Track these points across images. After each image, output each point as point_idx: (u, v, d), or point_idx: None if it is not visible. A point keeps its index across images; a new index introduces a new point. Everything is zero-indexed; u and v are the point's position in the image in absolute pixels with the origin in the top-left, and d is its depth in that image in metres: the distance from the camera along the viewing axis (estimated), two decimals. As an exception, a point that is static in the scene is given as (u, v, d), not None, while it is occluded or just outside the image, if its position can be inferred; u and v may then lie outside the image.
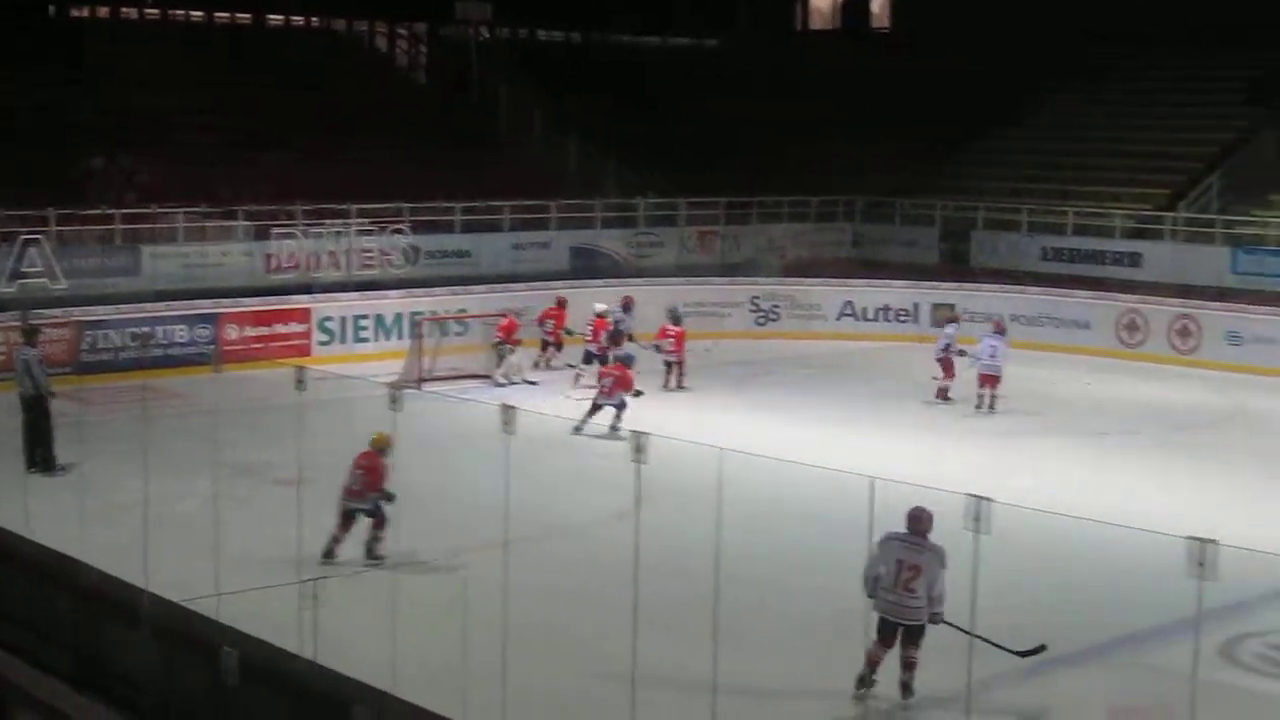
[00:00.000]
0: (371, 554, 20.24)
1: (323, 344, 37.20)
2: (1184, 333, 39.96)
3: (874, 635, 15.83)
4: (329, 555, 19.84)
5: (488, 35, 54.25)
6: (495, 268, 41.57)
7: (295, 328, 37.04)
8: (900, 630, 15.90)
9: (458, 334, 37.52)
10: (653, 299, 40.94)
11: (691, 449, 14.04)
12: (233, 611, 15.22)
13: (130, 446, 20.39)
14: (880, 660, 15.97)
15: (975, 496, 11.03)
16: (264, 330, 36.52)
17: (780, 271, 45.77)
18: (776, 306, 43.70)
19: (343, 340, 37.60)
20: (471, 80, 50.81)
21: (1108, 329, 41.11)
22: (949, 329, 34.48)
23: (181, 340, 35.14)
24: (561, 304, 37.20)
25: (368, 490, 20.27)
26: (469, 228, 41.66)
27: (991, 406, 32.06)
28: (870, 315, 43.68)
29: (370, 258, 39.33)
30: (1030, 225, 45.26)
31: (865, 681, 16.00)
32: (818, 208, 48.41)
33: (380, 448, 20.31)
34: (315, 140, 42.31)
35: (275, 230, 38.14)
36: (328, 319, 37.54)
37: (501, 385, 34.21)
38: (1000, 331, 33.13)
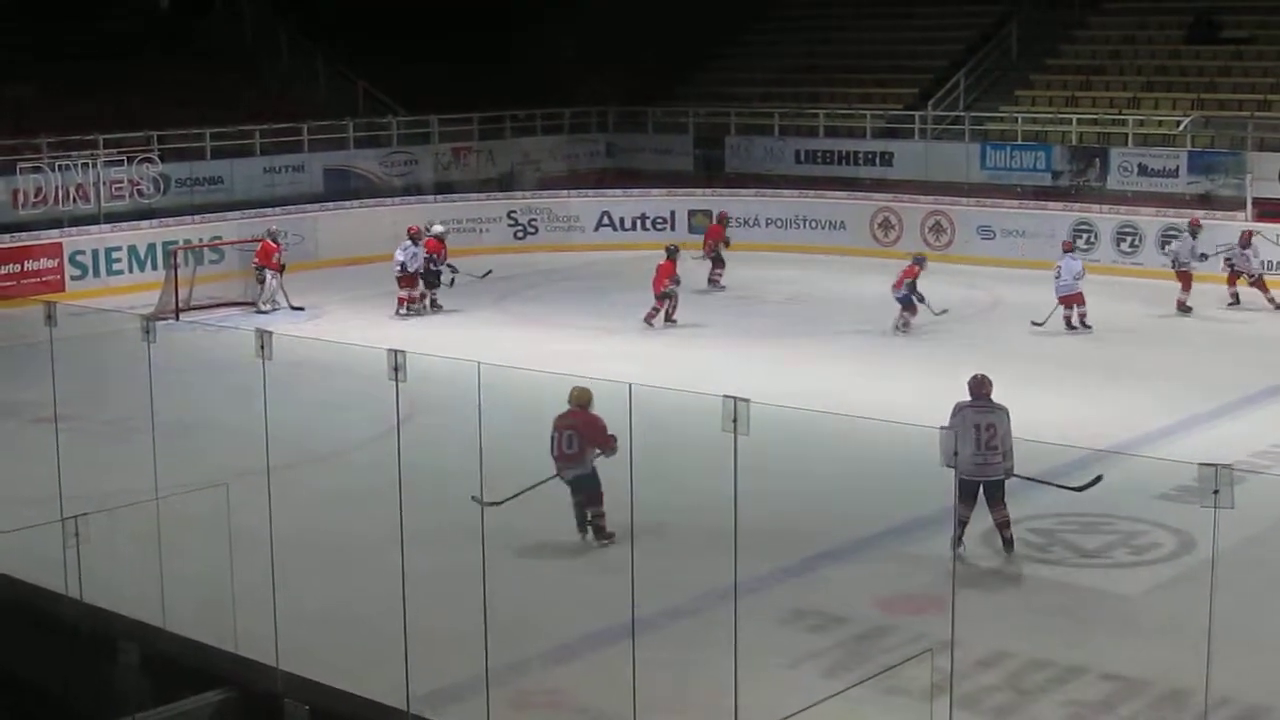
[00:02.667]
0: (601, 534, 18.30)
1: (76, 279, 36.51)
2: (937, 229, 40.62)
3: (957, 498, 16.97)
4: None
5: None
6: (249, 193, 41.01)
7: (46, 263, 36.32)
8: (981, 487, 17.51)
9: (214, 262, 37.05)
10: (412, 218, 40.83)
11: (450, 364, 14.06)
12: (-6, 554, 15.00)
13: (-122, 391, 19.94)
14: (968, 520, 17.51)
15: (732, 398, 11.14)
16: (14, 268, 35.77)
17: (536, 185, 45.76)
18: (534, 220, 43.68)
19: (96, 274, 36.93)
20: (214, 1, 49.86)
21: (862, 228, 41.67)
22: None
23: (-73, 281, 34.40)
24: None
25: (586, 449, 18.20)
26: (220, 153, 41.02)
27: (1084, 323, 31.43)
28: (628, 225, 43.80)
29: (120, 189, 38.60)
30: (782, 129, 45.58)
31: (959, 542, 17.43)
32: (571, 119, 48.33)
33: (583, 402, 18.42)
34: (56, 69, 41.34)
35: (20, 165, 37.27)
36: (79, 253, 36.84)
37: (264, 312, 33.83)
38: (1069, 250, 32.92)
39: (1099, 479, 18.33)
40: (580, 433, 18.22)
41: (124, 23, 46.85)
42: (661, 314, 32.01)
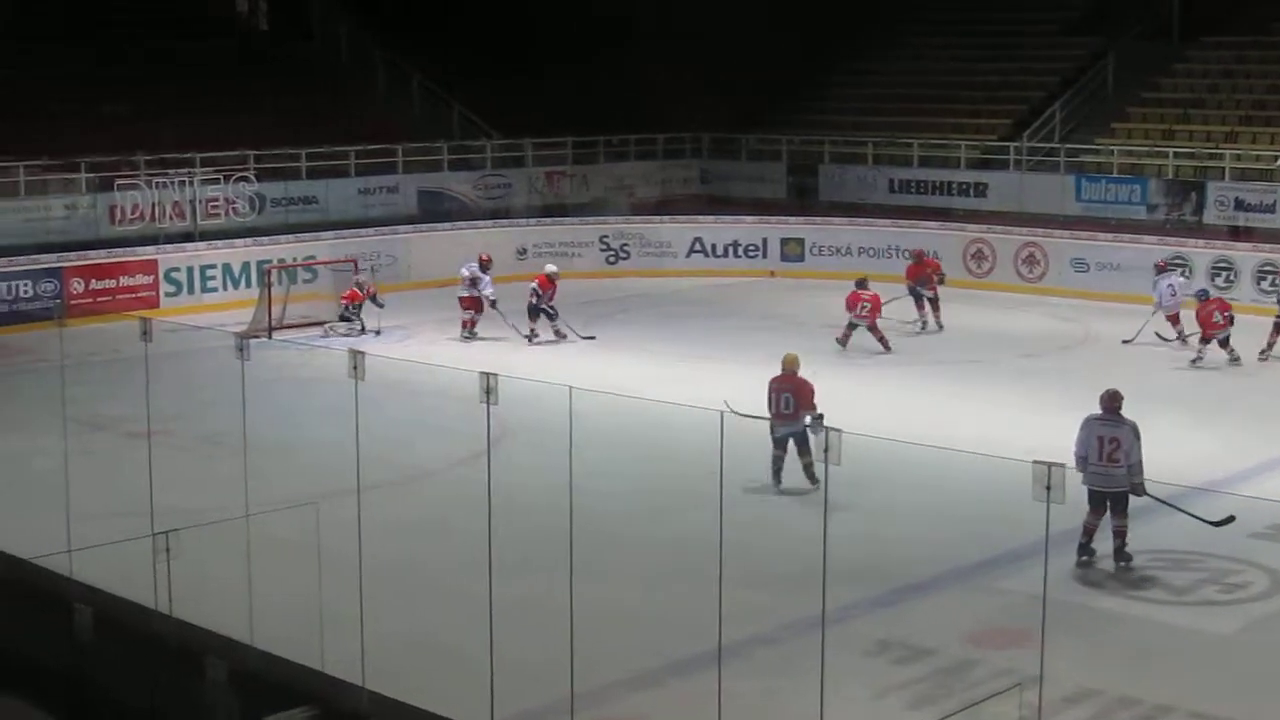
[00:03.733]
0: (812, 478, 20.66)
1: (170, 295, 36.85)
2: (1030, 261, 40.40)
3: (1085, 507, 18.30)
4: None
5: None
6: (343, 213, 41.26)
7: (142, 279, 36.66)
8: (1108, 499, 18.34)
9: (307, 281, 37.28)
10: (505, 241, 41.07)
11: (543, 388, 14.07)
12: (85, 567, 15.07)
13: (-24, 404, 20.13)
14: (1095, 529, 18.47)
15: (826, 427, 11.10)
16: (110, 283, 36.12)
17: (629, 210, 45.82)
18: (626, 245, 43.72)
19: (190, 291, 37.25)
20: (313, 25, 50.21)
21: (955, 259, 41.43)
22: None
23: (25, 295, 34.71)
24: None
25: (800, 409, 21.04)
26: (315, 174, 41.27)
27: (1186, 341, 31.88)
28: (720, 251, 43.77)
29: (216, 207, 38.88)
30: (876, 158, 45.48)
31: (1084, 550, 18.55)
32: (665, 145, 48.41)
33: (794, 368, 21.89)
34: (157, 90, 41.69)
35: (119, 182, 37.61)
36: (174, 270, 37.18)
37: (329, 335, 34.03)
38: (1164, 270, 33.15)
39: (1232, 518, 18.59)
40: (795, 395, 21.30)
41: (223, 43, 47.25)
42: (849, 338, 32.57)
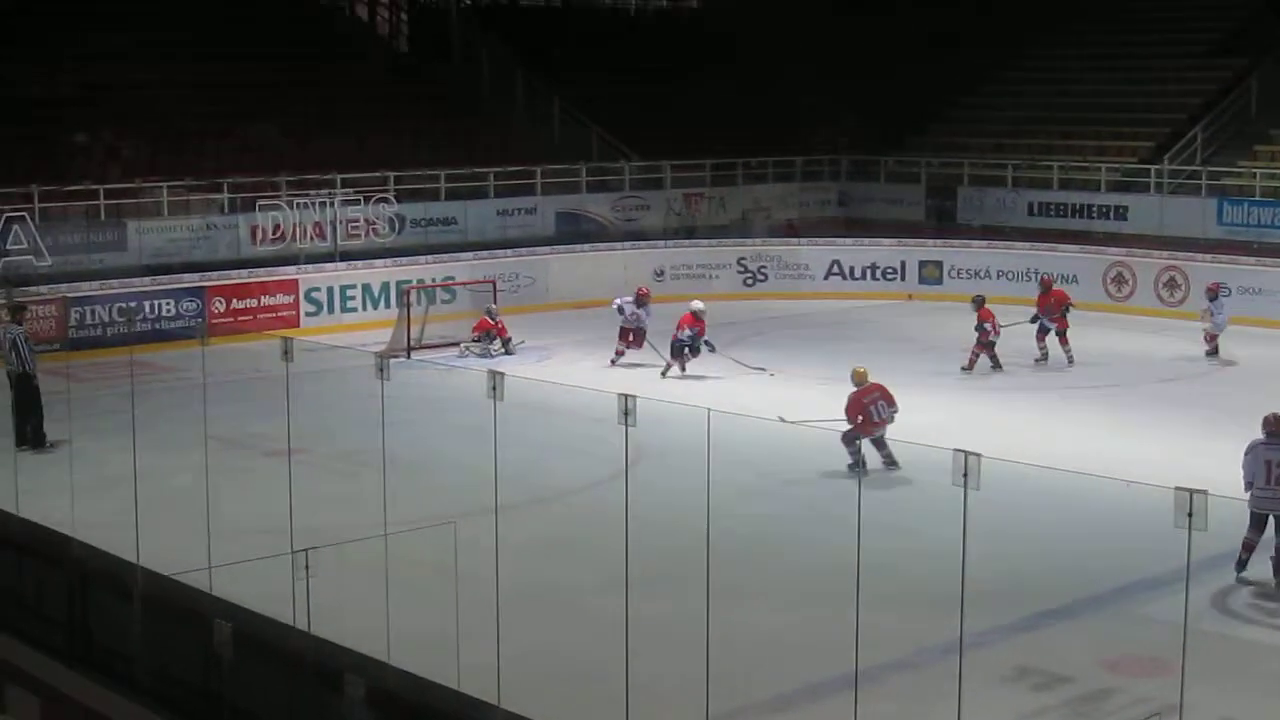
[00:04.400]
0: (892, 464, 22.61)
1: (310, 315, 37.16)
2: (1171, 285, 39.97)
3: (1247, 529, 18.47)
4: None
5: (468, 1, 54.04)
6: (481, 234, 41.50)
7: (282, 299, 37.01)
8: (1271, 520, 18.52)
9: (445, 302, 37.50)
10: (642, 263, 41.19)
11: (681, 410, 14.07)
12: (225, 584, 15.21)
13: (119, 421, 20.36)
14: (1254, 546, 18.50)
15: (963, 451, 11.02)
16: (251, 303, 36.49)
17: (768, 232, 45.79)
18: (764, 267, 43.67)
19: (330, 311, 37.58)
20: (453, 47, 50.59)
21: (1095, 282, 41.08)
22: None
23: (168, 314, 35.14)
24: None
25: (889, 410, 23.29)
26: (454, 195, 41.53)
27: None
28: (858, 274, 43.65)
29: (356, 227, 39.21)
30: (1015, 180, 45.23)
31: (1243, 566, 18.61)
32: (803, 167, 48.36)
33: (862, 380, 23.59)
34: (298, 111, 42.15)
35: (260, 202, 38.03)
36: (314, 290, 37.51)
37: (465, 356, 34.03)
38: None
39: None
40: (885, 400, 23.36)
41: (365, 65, 47.68)
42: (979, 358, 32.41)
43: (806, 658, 16.15)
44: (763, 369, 32.07)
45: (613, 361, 33.22)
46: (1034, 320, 33.65)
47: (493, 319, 34.81)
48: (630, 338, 33.26)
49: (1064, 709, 15.23)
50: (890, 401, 23.41)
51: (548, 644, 16.50)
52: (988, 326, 31.84)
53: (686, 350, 32.06)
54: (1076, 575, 19.34)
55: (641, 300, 33.43)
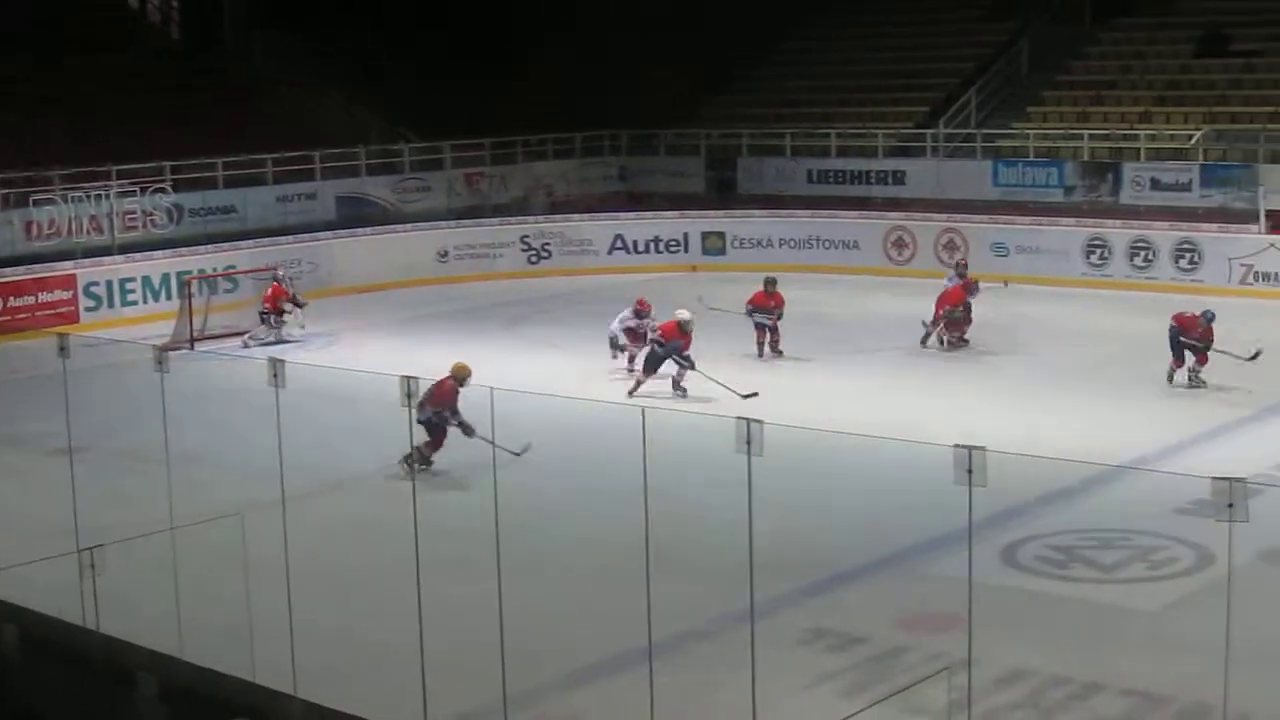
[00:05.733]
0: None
1: (90, 310, 36.49)
2: (950, 246, 40.53)
3: None
4: None
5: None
6: (262, 221, 41.01)
7: (60, 295, 36.30)
8: None
9: (228, 291, 37.04)
10: (426, 244, 41.08)
11: (471, 390, 14.04)
12: (9, 587, 14.96)
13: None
14: None
15: (745, 419, 11.11)
16: (28, 300, 35.78)
17: (549, 209, 45.78)
18: (547, 244, 43.65)
19: (111, 305, 36.91)
20: (226, 31, 50.01)
21: (876, 247, 41.63)
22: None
23: (-57, 314, 34.46)
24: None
25: None
26: (232, 183, 41.02)
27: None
28: (641, 248, 43.79)
29: (134, 220, 38.59)
30: (794, 149, 45.56)
31: None
32: (583, 143, 48.36)
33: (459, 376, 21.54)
34: (68, 103, 41.42)
35: (34, 197, 37.30)
36: (93, 284, 36.83)
37: (249, 345, 33.56)
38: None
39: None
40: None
41: (135, 55, 46.95)
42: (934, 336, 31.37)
43: (604, 632, 16.19)
44: (755, 394, 26.14)
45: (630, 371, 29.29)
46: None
47: (284, 284, 34.47)
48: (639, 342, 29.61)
49: (859, 669, 15.42)
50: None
51: (343, 630, 16.41)
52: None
53: (678, 367, 27.59)
54: (865, 537, 19.60)
55: (642, 313, 29.91)
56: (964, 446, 10.53)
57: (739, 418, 11.05)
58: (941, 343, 31.39)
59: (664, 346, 27.47)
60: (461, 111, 45.98)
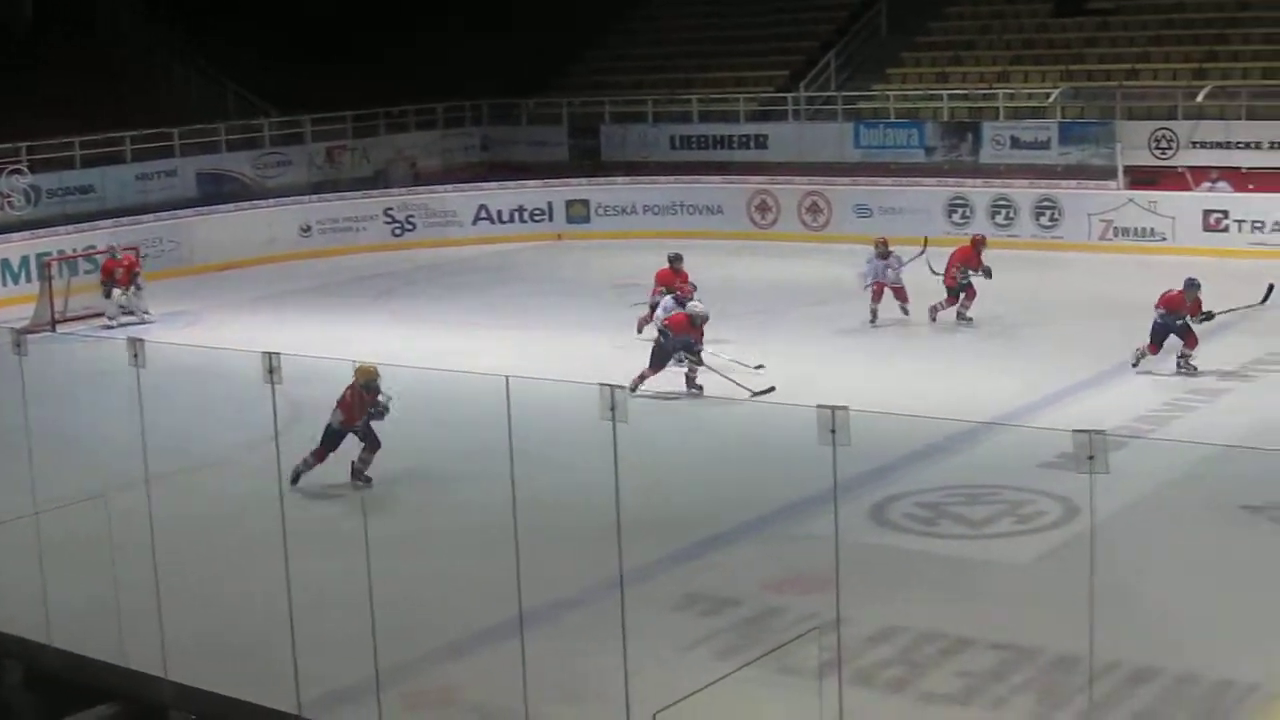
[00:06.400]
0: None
1: (-53, 295, 36.05)
2: (814, 209, 40.75)
3: None
4: None
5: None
6: (121, 200, 40.57)
7: (-84, 280, 35.84)
8: None
9: (88, 272, 36.53)
10: (288, 220, 40.77)
11: (328, 365, 13.95)
12: None
13: None
14: None
15: (609, 385, 11.10)
16: (-119, 286, 35.29)
17: (412, 180, 45.57)
18: (411, 216, 43.45)
19: (-31, 289, 36.48)
20: (77, 7, 49.24)
21: (739, 212, 41.77)
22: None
23: None
24: None
25: None
26: (90, 162, 40.55)
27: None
28: (506, 218, 43.69)
29: (-10, 202, 38.13)
30: (656, 115, 45.63)
31: None
32: (444, 114, 48.15)
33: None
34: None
35: (-113, 181, 36.79)
36: (-50, 268, 36.39)
37: (111, 326, 33.19)
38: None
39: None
40: None
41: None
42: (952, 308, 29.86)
43: (476, 603, 16.13)
44: (761, 365, 25.55)
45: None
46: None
47: (116, 257, 34.08)
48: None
49: (732, 631, 15.46)
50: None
51: (213, 611, 16.24)
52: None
53: (685, 359, 25.06)
54: (734, 501, 19.61)
55: (683, 299, 26.93)
56: (826, 406, 10.57)
57: (602, 385, 11.04)
58: (959, 316, 29.84)
59: (671, 340, 25.03)
60: (320, 85, 45.57)
